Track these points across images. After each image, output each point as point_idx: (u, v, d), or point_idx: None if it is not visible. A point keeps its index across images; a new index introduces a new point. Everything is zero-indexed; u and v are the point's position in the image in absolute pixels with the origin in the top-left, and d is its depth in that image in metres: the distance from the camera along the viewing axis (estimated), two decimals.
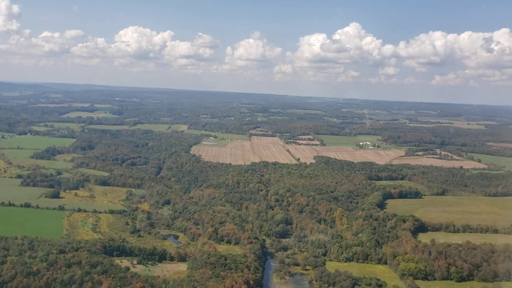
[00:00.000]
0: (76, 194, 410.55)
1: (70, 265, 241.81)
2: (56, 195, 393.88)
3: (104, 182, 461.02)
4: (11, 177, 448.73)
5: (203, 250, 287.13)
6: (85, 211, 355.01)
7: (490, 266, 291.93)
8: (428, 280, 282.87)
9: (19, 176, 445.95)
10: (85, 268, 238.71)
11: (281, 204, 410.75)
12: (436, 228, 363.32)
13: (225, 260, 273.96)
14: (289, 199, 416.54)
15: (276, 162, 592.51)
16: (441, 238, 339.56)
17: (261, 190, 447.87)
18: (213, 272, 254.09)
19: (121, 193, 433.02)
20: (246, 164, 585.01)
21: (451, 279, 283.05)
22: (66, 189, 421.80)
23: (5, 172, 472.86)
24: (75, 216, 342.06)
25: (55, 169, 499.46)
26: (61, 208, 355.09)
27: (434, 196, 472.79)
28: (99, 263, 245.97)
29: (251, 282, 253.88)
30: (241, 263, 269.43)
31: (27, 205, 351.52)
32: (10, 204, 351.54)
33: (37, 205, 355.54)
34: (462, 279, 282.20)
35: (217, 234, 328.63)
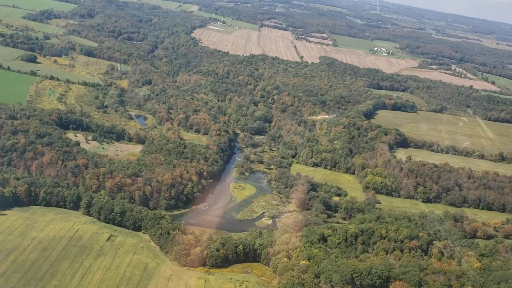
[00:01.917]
0: (55, 61, 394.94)
1: (16, 132, 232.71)
2: (32, 59, 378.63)
3: (89, 53, 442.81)
4: None
5: (163, 135, 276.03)
6: (57, 79, 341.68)
7: (461, 191, 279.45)
8: (392, 196, 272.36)
9: (2, 35, 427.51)
10: (31, 137, 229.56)
11: (265, 101, 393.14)
12: (419, 146, 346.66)
13: (184, 148, 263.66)
14: (275, 97, 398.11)
15: (276, 57, 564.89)
16: (421, 156, 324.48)
17: (250, 84, 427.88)
18: (165, 159, 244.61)
19: (104, 66, 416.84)
20: (245, 55, 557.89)
21: (416, 199, 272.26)
22: (47, 54, 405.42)
23: None
24: (45, 84, 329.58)
25: (44, 33, 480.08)
26: (33, 73, 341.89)
27: (431, 113, 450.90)
28: (47, 134, 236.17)
29: (205, 173, 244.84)
30: (199, 154, 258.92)
31: None
32: None
33: (9, 66, 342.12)
34: (428, 200, 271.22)
35: (187, 121, 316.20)
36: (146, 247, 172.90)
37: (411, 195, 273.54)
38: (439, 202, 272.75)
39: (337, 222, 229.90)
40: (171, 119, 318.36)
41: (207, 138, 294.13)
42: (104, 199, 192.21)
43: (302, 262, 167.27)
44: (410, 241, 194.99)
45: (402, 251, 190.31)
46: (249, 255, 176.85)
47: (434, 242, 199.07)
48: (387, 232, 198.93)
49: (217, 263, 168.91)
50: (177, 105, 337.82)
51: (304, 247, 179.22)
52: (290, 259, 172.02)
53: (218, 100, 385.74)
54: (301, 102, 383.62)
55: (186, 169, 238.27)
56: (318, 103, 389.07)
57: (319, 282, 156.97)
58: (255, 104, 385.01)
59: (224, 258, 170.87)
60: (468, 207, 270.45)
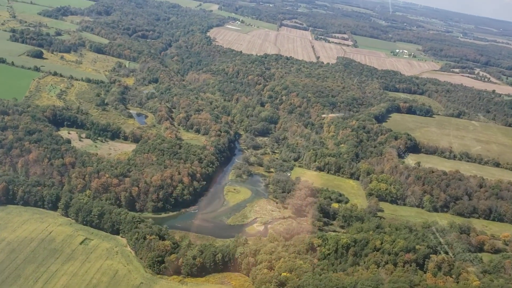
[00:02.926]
0: (62, 57, 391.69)
1: (6, 128, 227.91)
2: (38, 55, 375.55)
3: (99, 50, 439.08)
4: (5, 31, 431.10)
5: (159, 135, 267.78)
6: (61, 75, 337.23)
7: (471, 201, 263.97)
8: (397, 204, 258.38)
9: (13, 31, 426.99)
10: (19, 134, 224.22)
11: (273, 102, 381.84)
12: (431, 151, 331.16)
13: (179, 148, 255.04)
14: (283, 97, 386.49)
15: (290, 57, 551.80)
16: (432, 162, 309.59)
17: (259, 84, 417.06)
18: (157, 159, 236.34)
19: (112, 63, 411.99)
20: (259, 54, 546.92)
21: (422, 208, 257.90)
22: (55, 50, 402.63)
23: (2, 25, 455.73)
24: (47, 80, 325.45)
25: (57, 29, 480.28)
26: (37, 69, 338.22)
27: (447, 117, 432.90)
28: (37, 131, 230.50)
29: (198, 175, 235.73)
30: (194, 155, 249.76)
31: (2, 61, 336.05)
32: None
33: (13, 62, 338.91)
34: (434, 210, 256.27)
35: (187, 121, 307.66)
36: (120, 252, 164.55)
37: (416, 204, 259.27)
38: (446, 211, 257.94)
39: (334, 231, 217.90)
40: (171, 118, 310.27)
41: (206, 139, 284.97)
42: (83, 199, 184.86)
43: (283, 274, 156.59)
44: (406, 254, 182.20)
45: (395, 264, 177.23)
46: (228, 264, 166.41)
47: (431, 255, 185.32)
48: (381, 244, 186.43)
49: (192, 272, 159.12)
50: (179, 104, 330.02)
51: (289, 257, 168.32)
52: (272, 270, 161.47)
53: (224, 100, 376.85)
54: (310, 103, 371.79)
55: (178, 170, 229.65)
56: (328, 104, 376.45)
57: None
58: (262, 105, 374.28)
59: (201, 267, 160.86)
60: (478, 217, 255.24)
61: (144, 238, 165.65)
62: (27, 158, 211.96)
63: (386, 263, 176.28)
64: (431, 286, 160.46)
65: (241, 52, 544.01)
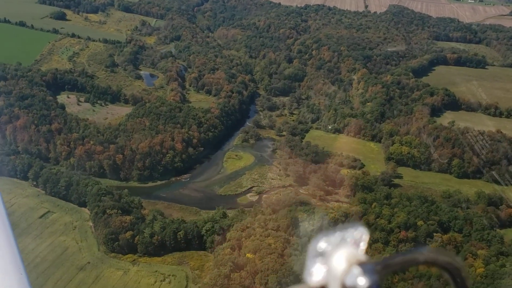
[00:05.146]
0: (86, 18, 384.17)
1: (0, 94, 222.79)
2: (61, 17, 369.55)
3: (127, 9, 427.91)
4: None
5: (159, 97, 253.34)
6: (78, 37, 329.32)
7: (511, 165, 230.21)
8: (420, 169, 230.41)
9: None
10: (10, 100, 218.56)
11: (302, 57, 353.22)
12: (473, 108, 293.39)
13: (179, 112, 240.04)
14: (313, 52, 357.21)
15: (334, 7, 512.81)
16: (472, 121, 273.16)
17: (290, 38, 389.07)
18: (151, 124, 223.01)
19: (137, 22, 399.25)
20: (300, 5, 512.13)
21: (450, 174, 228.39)
22: (82, 11, 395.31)
23: None
24: (63, 42, 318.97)
25: None
26: (55, 31, 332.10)
27: (503, 68, 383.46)
28: (29, 96, 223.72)
29: (195, 141, 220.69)
30: (193, 119, 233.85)
31: (22, 24, 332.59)
32: (5, 21, 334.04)
33: (32, 25, 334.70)
34: (464, 176, 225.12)
35: (198, 81, 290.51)
36: (79, 227, 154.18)
37: (443, 169, 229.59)
38: (478, 178, 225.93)
39: (338, 201, 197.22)
40: (180, 78, 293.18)
41: (213, 101, 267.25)
42: (54, 169, 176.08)
43: (248, 255, 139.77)
44: (402, 231, 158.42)
45: (386, 243, 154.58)
46: (192, 242, 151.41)
47: (435, 234, 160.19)
48: (376, 219, 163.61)
49: (149, 251, 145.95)
50: (195, 63, 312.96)
51: (260, 235, 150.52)
52: (238, 250, 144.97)
53: (250, 57, 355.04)
54: (341, 57, 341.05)
55: (172, 136, 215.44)
56: (361, 58, 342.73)
57: (254, 283, 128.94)
58: (291, 61, 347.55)
59: (160, 245, 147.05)
60: None
61: (104, 213, 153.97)
62: (15, 124, 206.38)
63: (376, 241, 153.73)
64: (422, 273, 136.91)
65: (279, 4, 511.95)
